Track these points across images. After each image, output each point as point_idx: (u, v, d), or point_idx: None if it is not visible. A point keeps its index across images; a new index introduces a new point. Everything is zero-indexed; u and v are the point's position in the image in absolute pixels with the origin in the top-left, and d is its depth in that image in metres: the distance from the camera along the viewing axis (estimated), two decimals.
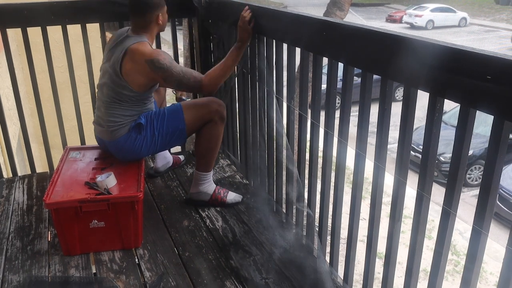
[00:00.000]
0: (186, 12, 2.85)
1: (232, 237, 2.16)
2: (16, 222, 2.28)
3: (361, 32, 1.49)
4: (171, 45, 2.68)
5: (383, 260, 1.60)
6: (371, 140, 1.52)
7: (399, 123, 1.41)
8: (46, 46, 2.62)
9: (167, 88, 2.62)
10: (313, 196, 2.00)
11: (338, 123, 1.71)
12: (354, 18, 23.18)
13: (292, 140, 2.12)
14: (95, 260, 1.98)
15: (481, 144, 8.27)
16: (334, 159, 1.79)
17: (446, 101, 1.26)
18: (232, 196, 2.43)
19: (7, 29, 2.55)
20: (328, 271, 1.91)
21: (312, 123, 1.87)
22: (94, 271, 1.92)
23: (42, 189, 2.61)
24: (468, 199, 7.70)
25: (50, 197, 1.91)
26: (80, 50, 2.69)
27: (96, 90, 2.26)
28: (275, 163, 2.30)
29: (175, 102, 2.44)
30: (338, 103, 1.72)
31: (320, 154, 1.84)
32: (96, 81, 2.30)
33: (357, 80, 1.54)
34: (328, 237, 1.97)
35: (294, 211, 2.19)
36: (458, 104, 1.19)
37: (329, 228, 1.92)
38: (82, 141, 2.87)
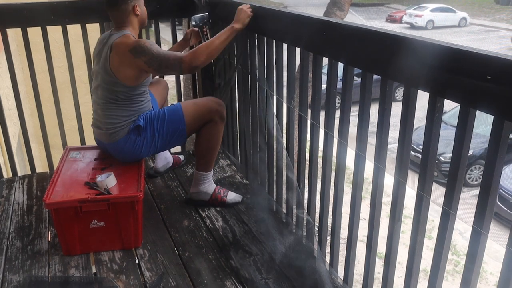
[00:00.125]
0: (186, 12, 2.85)
1: (232, 237, 2.16)
2: (16, 222, 2.28)
3: (361, 32, 1.49)
4: (171, 45, 2.68)
5: (383, 260, 1.60)
6: (371, 140, 1.52)
7: (399, 123, 1.41)
8: (46, 46, 2.62)
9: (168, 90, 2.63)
10: (313, 196, 2.00)
11: (338, 123, 1.71)
12: (354, 18, 23.17)
13: (292, 140, 2.12)
14: (95, 260, 1.98)
15: (481, 144, 8.27)
16: (334, 159, 1.79)
17: (446, 101, 1.26)
18: (232, 196, 2.43)
19: (7, 29, 2.55)
20: (327, 271, 1.91)
21: (312, 123, 1.87)
22: (94, 271, 1.92)
23: (42, 189, 2.61)
24: (468, 199, 7.70)
25: (50, 197, 1.91)
26: (80, 50, 2.69)
27: (91, 94, 2.26)
28: (275, 163, 2.30)
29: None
30: (338, 103, 1.72)
31: (320, 154, 1.84)
32: (92, 83, 2.30)
33: (357, 80, 1.54)
34: (328, 237, 1.97)
35: (294, 211, 2.19)
36: (458, 104, 1.19)
37: (329, 228, 1.92)
38: (82, 141, 2.87)
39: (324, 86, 1.75)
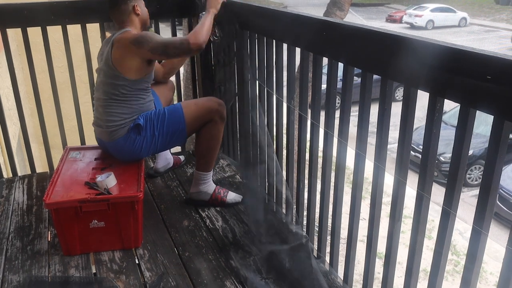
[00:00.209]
0: (186, 12, 2.85)
1: (232, 237, 2.16)
2: (16, 222, 2.28)
3: (361, 32, 1.49)
4: None
5: (383, 260, 1.60)
6: (371, 140, 1.52)
7: (399, 123, 1.41)
8: (46, 46, 2.62)
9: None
10: (313, 196, 2.00)
11: (338, 123, 1.71)
12: (354, 18, 23.17)
13: (292, 140, 2.12)
14: (95, 260, 1.98)
15: (481, 144, 8.27)
16: (334, 159, 1.79)
17: (446, 101, 1.26)
18: (232, 196, 2.43)
19: (7, 29, 2.55)
20: (326, 271, 1.91)
21: (312, 123, 1.87)
22: (94, 271, 1.92)
23: (42, 189, 2.61)
24: (468, 199, 7.70)
25: (50, 197, 1.91)
26: (80, 50, 2.69)
27: (94, 93, 2.26)
28: (274, 163, 2.30)
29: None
30: (338, 103, 1.72)
31: (320, 154, 1.84)
32: (95, 82, 2.30)
33: (357, 80, 1.54)
34: (328, 237, 1.97)
35: (294, 211, 2.19)
36: (458, 104, 1.19)
37: (329, 228, 1.92)
38: (82, 141, 2.87)
39: (324, 86, 1.75)
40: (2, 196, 2.55)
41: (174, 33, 2.86)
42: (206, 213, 2.36)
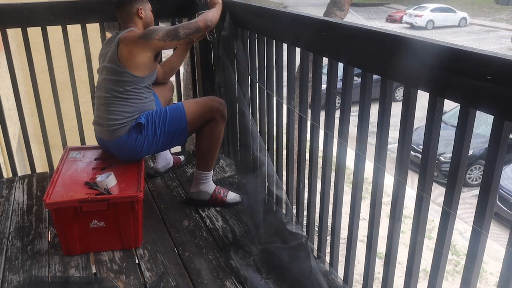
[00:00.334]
0: (186, 12, 2.85)
1: (232, 237, 2.16)
2: (16, 222, 2.28)
3: (361, 32, 1.49)
4: None
5: (383, 260, 1.60)
6: (371, 140, 1.52)
7: (399, 123, 1.41)
8: (46, 46, 2.62)
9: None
10: (313, 196, 2.00)
11: (338, 123, 1.71)
12: (354, 18, 23.17)
13: (292, 140, 2.12)
14: (95, 260, 1.98)
15: (481, 144, 8.27)
16: (334, 159, 1.79)
17: (446, 101, 1.26)
18: (232, 196, 2.43)
19: (7, 29, 2.55)
20: (326, 271, 1.91)
21: (312, 123, 1.87)
22: (94, 271, 1.92)
23: (42, 189, 2.61)
24: (468, 199, 7.70)
25: (50, 197, 1.91)
26: (80, 50, 2.69)
27: (95, 92, 2.27)
28: (275, 163, 2.30)
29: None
30: (338, 103, 1.72)
31: (320, 154, 1.84)
32: (96, 81, 2.31)
33: (357, 80, 1.54)
34: (328, 237, 1.97)
35: (294, 211, 2.19)
36: (458, 104, 1.19)
37: (329, 228, 1.92)
38: (82, 141, 2.87)
39: (324, 86, 1.75)
40: (2, 196, 2.55)
41: None
42: (206, 213, 2.36)
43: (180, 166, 2.88)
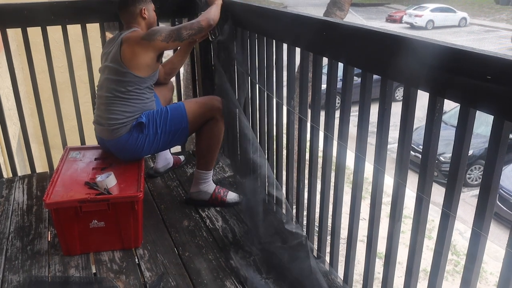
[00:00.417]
0: (186, 12, 2.85)
1: (232, 237, 2.16)
2: (16, 222, 2.28)
3: (361, 32, 1.49)
4: None
5: (383, 260, 1.60)
6: (371, 140, 1.52)
7: (399, 123, 1.41)
8: (46, 46, 2.62)
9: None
10: (313, 196, 2.00)
11: (338, 123, 1.71)
12: (354, 18, 23.17)
13: (292, 140, 2.12)
14: (95, 260, 1.98)
15: (481, 144, 8.27)
16: (334, 159, 1.79)
17: (446, 101, 1.26)
18: (232, 196, 2.43)
19: (7, 29, 2.55)
20: (326, 271, 1.90)
21: (311, 125, 1.87)
22: (94, 271, 1.92)
23: (42, 189, 2.61)
24: (468, 199, 7.70)
25: (50, 197, 1.91)
26: (80, 50, 2.69)
27: (96, 91, 2.27)
28: (275, 162, 2.30)
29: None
30: (338, 103, 1.72)
31: (320, 154, 1.84)
32: (96, 81, 2.31)
33: (357, 80, 1.54)
34: (328, 237, 1.97)
35: (294, 211, 2.19)
36: (458, 104, 1.19)
37: (329, 228, 1.92)
38: (82, 141, 2.87)
39: (324, 86, 1.75)
40: (2, 196, 2.55)
41: None
42: (206, 213, 2.36)
43: (180, 166, 2.88)
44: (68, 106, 2.79)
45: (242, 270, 1.92)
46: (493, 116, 1.11)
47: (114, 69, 2.12)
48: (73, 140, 2.83)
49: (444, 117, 8.41)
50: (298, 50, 1.92)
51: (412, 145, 1.51)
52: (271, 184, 2.30)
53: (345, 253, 1.82)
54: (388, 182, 1.47)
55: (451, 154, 1.26)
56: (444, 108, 1.31)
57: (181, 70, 5.85)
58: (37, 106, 2.69)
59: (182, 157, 2.94)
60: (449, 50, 1.17)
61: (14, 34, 3.68)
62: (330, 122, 1.75)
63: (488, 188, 1.16)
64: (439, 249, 1.36)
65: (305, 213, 2.11)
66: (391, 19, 23.97)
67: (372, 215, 1.63)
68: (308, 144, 1.93)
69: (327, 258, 1.98)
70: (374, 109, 1.45)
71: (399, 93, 11.17)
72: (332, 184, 1.82)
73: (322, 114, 1.81)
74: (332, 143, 1.78)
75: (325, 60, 1.75)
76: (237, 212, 2.36)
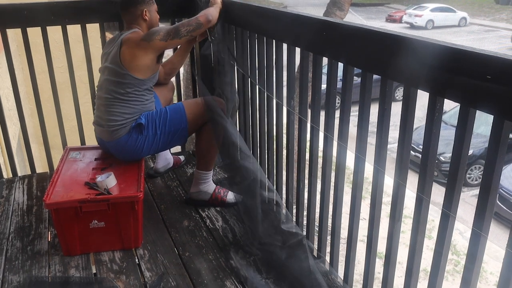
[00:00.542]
0: (186, 12, 2.85)
1: (232, 237, 2.16)
2: (16, 222, 2.28)
3: (361, 32, 1.49)
4: None
5: (383, 260, 1.60)
6: (371, 140, 1.52)
7: (399, 123, 1.41)
8: (46, 47, 2.62)
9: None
10: (313, 196, 2.00)
11: (338, 123, 1.71)
12: (354, 18, 23.17)
13: (292, 140, 2.12)
14: (95, 260, 1.98)
15: (481, 144, 8.27)
16: (334, 159, 1.79)
17: (446, 101, 1.26)
18: (232, 196, 2.43)
19: (7, 29, 2.54)
20: (326, 271, 1.90)
21: (311, 125, 1.87)
22: (94, 271, 1.92)
23: (42, 189, 2.61)
24: (468, 199, 7.70)
25: (50, 197, 1.91)
26: (80, 51, 2.69)
27: (96, 91, 2.27)
28: (275, 162, 2.30)
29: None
30: (338, 103, 1.72)
31: (320, 154, 1.84)
32: (96, 82, 2.31)
33: (357, 80, 1.54)
34: (328, 237, 1.97)
35: (294, 211, 2.19)
36: (458, 104, 1.19)
37: (329, 228, 1.92)
38: (82, 141, 2.87)
39: (324, 86, 1.75)
40: (2, 196, 2.55)
41: None
42: (206, 213, 2.36)
43: (180, 166, 2.88)
44: (68, 106, 2.79)
45: (242, 270, 1.92)
46: (493, 116, 1.11)
47: (114, 70, 2.12)
48: (73, 140, 2.83)
49: (444, 117, 8.42)
50: (298, 50, 1.92)
51: (412, 145, 1.51)
52: (264, 186, 2.29)
53: (345, 253, 1.82)
54: (388, 182, 1.47)
55: (451, 154, 1.26)
56: (444, 108, 1.31)
57: (181, 70, 5.85)
58: (37, 106, 2.69)
59: (182, 157, 2.94)
60: (449, 50, 1.17)
61: (14, 35, 3.68)
62: (330, 122, 1.75)
63: (488, 188, 1.16)
64: (439, 249, 1.36)
65: (305, 213, 2.11)
66: (391, 19, 23.97)
67: (372, 215, 1.63)
68: (308, 144, 1.93)
69: (327, 258, 1.98)
70: (374, 109, 1.45)
71: (399, 93, 11.17)
72: (332, 184, 1.82)
73: (322, 114, 1.81)
74: (332, 143, 1.78)
75: (325, 60, 1.75)
76: (237, 212, 2.36)
